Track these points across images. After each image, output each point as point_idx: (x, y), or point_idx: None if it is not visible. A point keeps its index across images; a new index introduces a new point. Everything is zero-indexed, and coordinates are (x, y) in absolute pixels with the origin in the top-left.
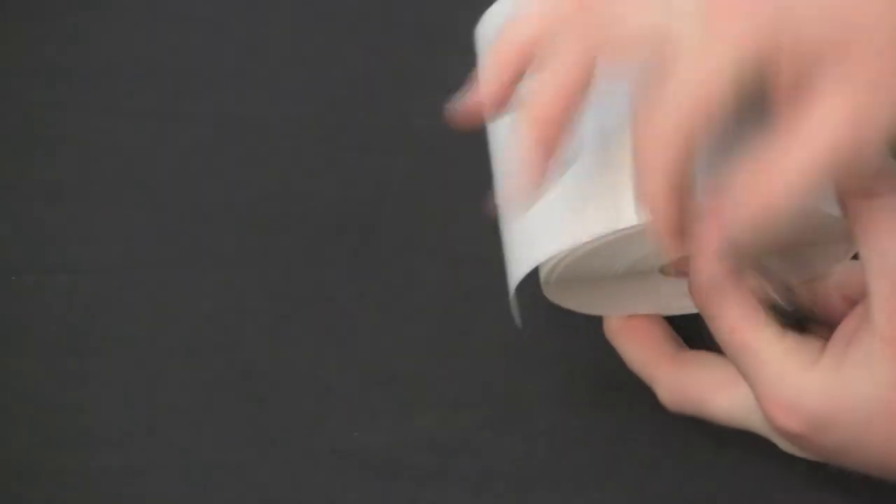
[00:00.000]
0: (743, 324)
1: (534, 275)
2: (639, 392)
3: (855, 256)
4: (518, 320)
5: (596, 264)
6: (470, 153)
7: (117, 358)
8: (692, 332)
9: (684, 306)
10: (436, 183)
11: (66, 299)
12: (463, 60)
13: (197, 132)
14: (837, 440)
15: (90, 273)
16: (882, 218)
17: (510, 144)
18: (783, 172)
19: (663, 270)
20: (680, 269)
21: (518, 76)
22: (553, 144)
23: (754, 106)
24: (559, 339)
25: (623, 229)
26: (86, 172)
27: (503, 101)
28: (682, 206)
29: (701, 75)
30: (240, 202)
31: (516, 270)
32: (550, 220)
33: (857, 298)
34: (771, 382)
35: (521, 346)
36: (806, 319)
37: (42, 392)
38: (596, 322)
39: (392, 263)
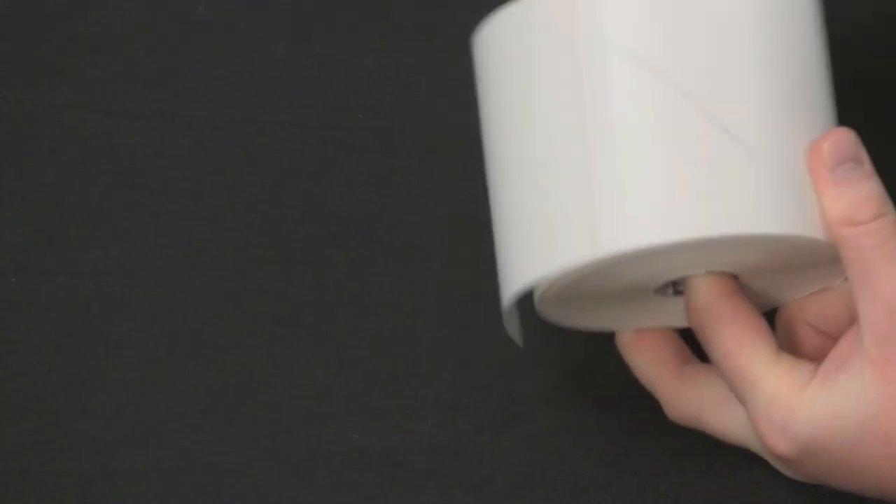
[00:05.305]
0: (737, 348)
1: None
2: (639, 394)
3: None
4: (519, 340)
5: (590, 286)
6: (470, 153)
7: (117, 359)
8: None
9: (682, 319)
10: (435, 183)
11: (66, 300)
12: (463, 60)
13: (197, 133)
14: (828, 463)
15: (90, 274)
16: (868, 244)
17: (506, 164)
18: None
19: (658, 290)
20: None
21: None
22: None
23: None
24: (560, 341)
25: (602, 259)
26: (86, 172)
27: None
28: None
29: None
30: (239, 203)
31: (505, 293)
32: (532, 248)
33: (823, 328)
34: (763, 405)
35: (521, 347)
36: None
37: (42, 392)
38: None
39: (392, 264)
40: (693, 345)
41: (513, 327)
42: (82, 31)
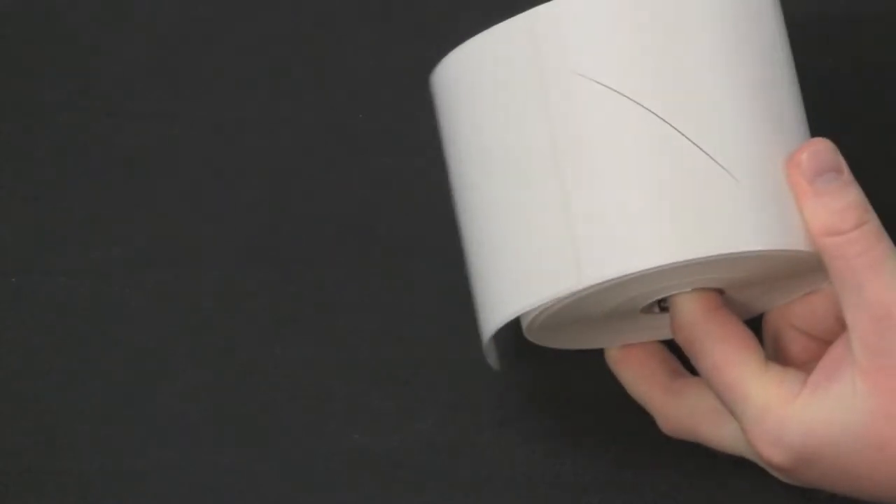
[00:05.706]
0: (725, 362)
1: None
2: None
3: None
4: (495, 364)
5: (577, 312)
6: None
7: (117, 359)
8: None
9: (669, 332)
10: (436, 183)
11: (66, 300)
12: None
13: (197, 133)
14: (823, 471)
15: (90, 274)
16: (852, 253)
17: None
18: None
19: (644, 309)
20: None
21: None
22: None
23: None
24: None
25: (587, 287)
26: (86, 172)
27: None
28: None
29: None
30: (239, 203)
31: (488, 322)
32: (519, 279)
33: (810, 331)
34: (755, 418)
35: (520, 347)
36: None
37: (42, 392)
38: None
39: (392, 264)
40: (682, 356)
41: (492, 356)
42: (82, 31)
